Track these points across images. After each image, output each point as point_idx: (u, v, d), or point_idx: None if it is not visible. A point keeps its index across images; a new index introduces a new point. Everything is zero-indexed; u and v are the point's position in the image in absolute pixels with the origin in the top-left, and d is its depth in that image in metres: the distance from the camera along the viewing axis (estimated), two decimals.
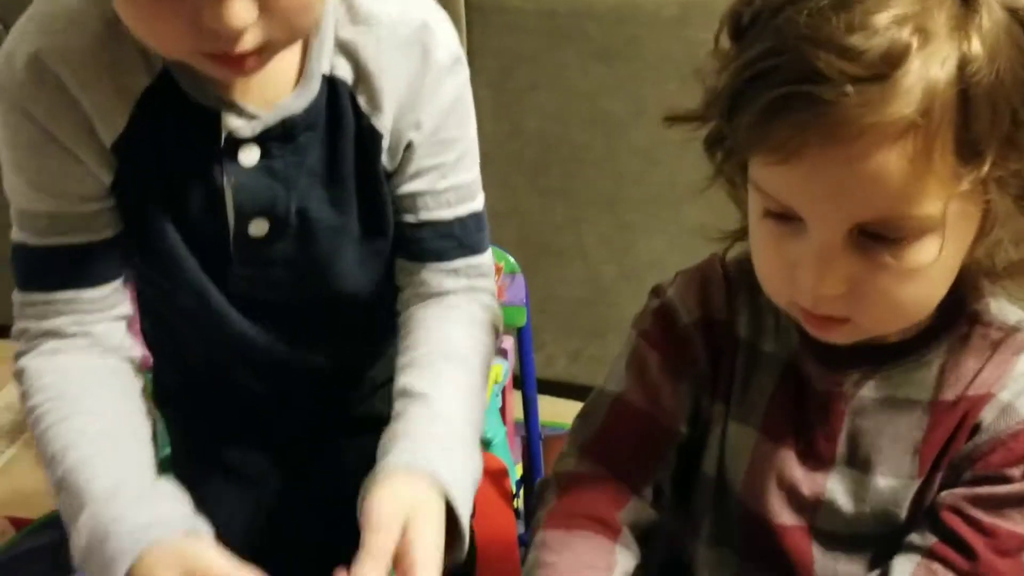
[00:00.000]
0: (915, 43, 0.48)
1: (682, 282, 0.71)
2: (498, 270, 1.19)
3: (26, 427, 1.83)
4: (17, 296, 0.75)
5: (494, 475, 1.19)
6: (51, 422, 0.71)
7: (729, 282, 0.69)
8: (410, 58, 0.75)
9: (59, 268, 0.73)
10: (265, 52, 0.64)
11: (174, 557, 0.62)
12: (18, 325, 0.76)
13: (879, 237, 0.53)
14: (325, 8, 0.69)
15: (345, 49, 0.74)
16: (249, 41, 0.61)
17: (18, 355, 0.76)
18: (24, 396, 0.74)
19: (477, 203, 0.83)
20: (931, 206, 0.51)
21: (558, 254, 1.71)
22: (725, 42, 0.60)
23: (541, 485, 0.71)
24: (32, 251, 0.73)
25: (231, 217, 0.75)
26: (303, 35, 0.68)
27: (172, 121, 0.71)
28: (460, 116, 0.80)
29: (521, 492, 1.36)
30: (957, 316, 0.62)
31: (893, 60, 0.48)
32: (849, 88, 0.48)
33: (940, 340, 0.62)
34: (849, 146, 0.50)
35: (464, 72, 0.79)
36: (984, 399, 0.61)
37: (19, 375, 0.75)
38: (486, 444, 1.45)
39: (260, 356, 0.85)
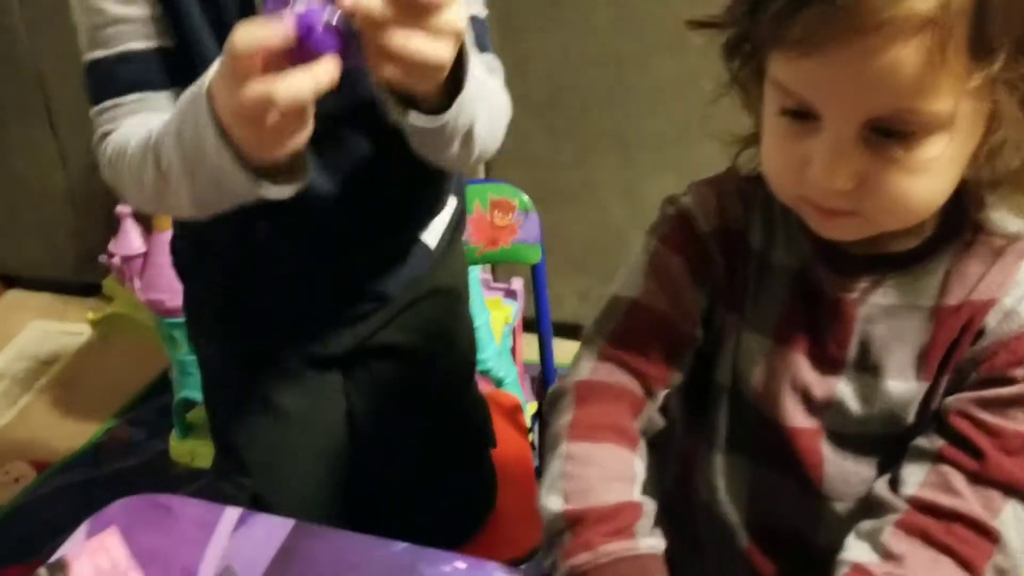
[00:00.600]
0: None
1: (699, 192, 0.72)
2: (512, 208, 1.19)
3: (41, 374, 1.89)
4: (93, 111, 0.80)
5: (509, 410, 1.21)
6: (136, 136, 0.76)
7: (744, 194, 0.70)
8: None
9: (126, 74, 0.78)
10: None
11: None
12: (96, 132, 0.80)
13: (890, 133, 0.55)
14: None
15: None
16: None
17: (99, 152, 0.80)
18: (113, 159, 0.78)
19: (482, 9, 0.86)
20: (942, 102, 0.53)
21: (567, 194, 1.71)
22: None
23: (554, 393, 0.72)
24: (102, 62, 0.78)
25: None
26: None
27: None
28: None
29: (536, 428, 1.38)
30: (960, 225, 0.64)
31: None
32: None
33: (944, 248, 0.64)
34: (868, 39, 0.51)
35: None
36: (988, 304, 0.63)
37: (105, 159, 0.80)
38: (499, 383, 1.48)
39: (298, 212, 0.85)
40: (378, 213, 0.92)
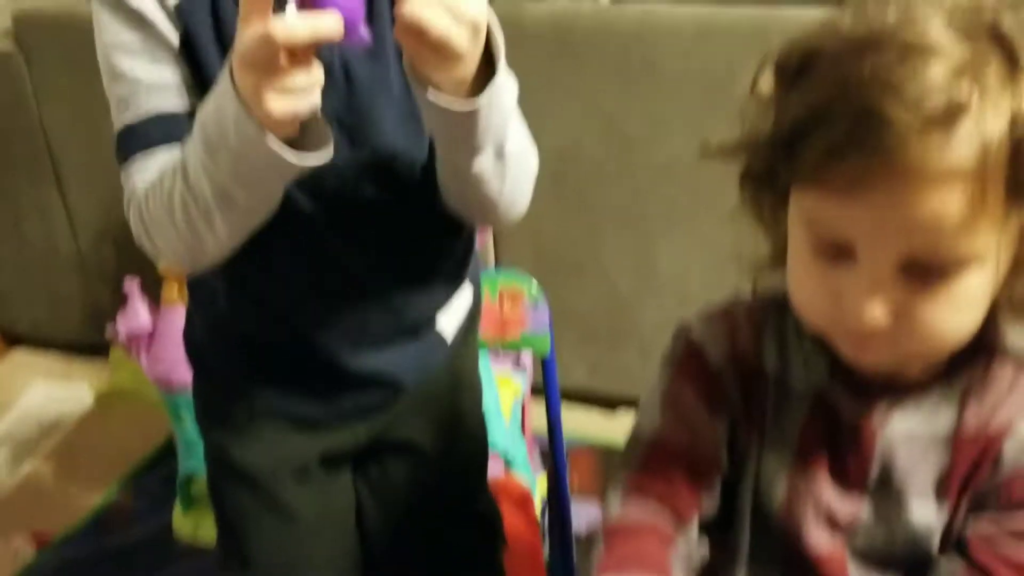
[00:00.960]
0: (974, 97, 0.52)
1: (707, 321, 0.72)
2: (522, 298, 1.19)
3: (44, 439, 1.88)
4: (122, 174, 0.82)
5: (519, 500, 1.21)
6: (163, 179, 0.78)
7: (754, 319, 0.71)
8: None
9: (159, 131, 0.80)
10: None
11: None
12: (127, 186, 0.82)
13: (927, 268, 0.56)
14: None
15: None
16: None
17: (130, 201, 0.81)
18: (144, 197, 0.80)
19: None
20: (980, 243, 0.55)
21: (576, 266, 1.71)
22: (765, 84, 0.62)
23: (588, 540, 0.72)
24: (136, 126, 0.80)
25: None
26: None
27: None
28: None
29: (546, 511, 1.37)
30: (979, 349, 0.64)
31: (953, 113, 0.51)
32: (913, 135, 0.51)
33: (962, 372, 0.65)
34: (909, 188, 0.53)
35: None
36: (1005, 431, 0.63)
37: (135, 207, 0.81)
38: (508, 462, 1.47)
39: (315, 250, 0.86)
40: (395, 281, 0.91)
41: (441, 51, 0.66)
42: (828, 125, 0.54)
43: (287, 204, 0.80)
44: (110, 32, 0.80)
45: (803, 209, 0.59)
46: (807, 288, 0.62)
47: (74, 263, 1.95)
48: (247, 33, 0.64)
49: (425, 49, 0.66)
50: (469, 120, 0.72)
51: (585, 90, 1.54)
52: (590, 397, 1.80)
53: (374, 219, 0.87)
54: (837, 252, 0.58)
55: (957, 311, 0.58)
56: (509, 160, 0.81)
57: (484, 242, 1.68)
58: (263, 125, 0.67)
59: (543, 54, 1.53)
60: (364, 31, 0.65)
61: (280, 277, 0.89)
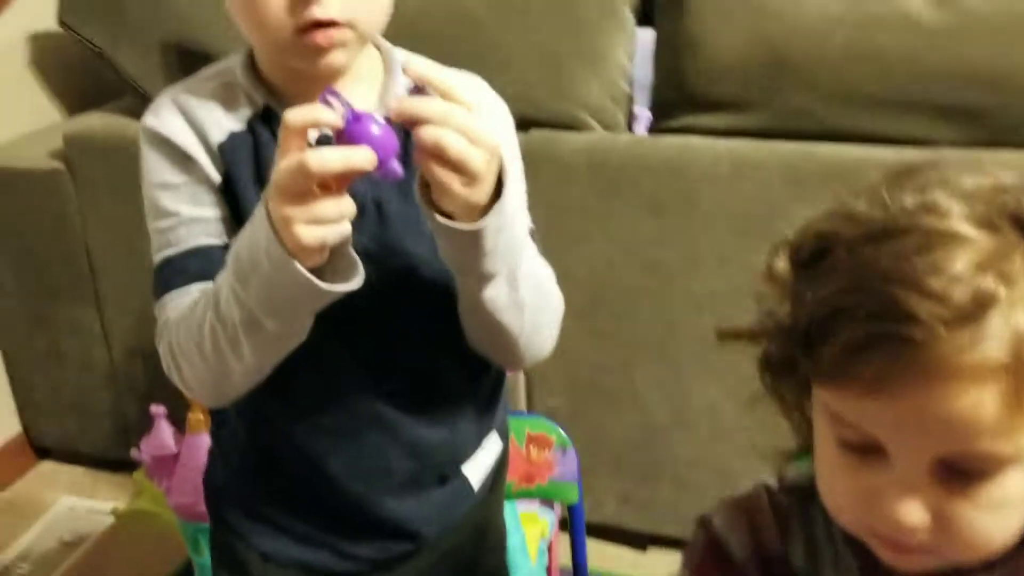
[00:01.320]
0: (1001, 290, 0.48)
1: (729, 514, 0.68)
2: (550, 444, 1.16)
3: (66, 556, 1.85)
4: (158, 303, 0.84)
5: None
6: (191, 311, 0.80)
7: (778, 512, 0.66)
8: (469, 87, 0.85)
9: (195, 266, 0.82)
10: (351, 36, 0.77)
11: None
12: (159, 321, 0.84)
13: (964, 471, 0.52)
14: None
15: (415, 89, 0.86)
16: (334, 10, 0.75)
17: (161, 335, 0.84)
18: (175, 325, 0.82)
19: (528, 221, 0.91)
20: (1017, 442, 0.50)
21: (609, 395, 1.68)
22: (781, 267, 0.59)
23: None
24: (174, 259, 0.83)
25: None
26: (376, 24, 0.82)
27: (268, 135, 0.83)
28: (512, 147, 0.88)
29: None
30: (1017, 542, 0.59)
31: (981, 305, 0.48)
32: (940, 330, 0.48)
33: (997, 565, 0.59)
34: (937, 387, 0.49)
35: (510, 119, 0.93)
36: None
37: (166, 339, 0.83)
38: None
39: (338, 387, 0.87)
40: (420, 423, 0.89)
41: (459, 171, 0.68)
42: (847, 321, 0.51)
43: (312, 337, 0.79)
44: (155, 171, 0.85)
45: (826, 405, 0.55)
46: (837, 486, 0.58)
47: (106, 379, 1.95)
48: (283, 163, 0.67)
49: (444, 170, 0.68)
50: (477, 240, 0.73)
51: (620, 220, 1.53)
52: (620, 533, 1.75)
53: (399, 357, 0.87)
54: (866, 449, 0.54)
55: (999, 514, 0.53)
56: (525, 292, 0.81)
57: (516, 372, 1.66)
58: (293, 253, 0.68)
59: (579, 183, 1.53)
60: (396, 165, 0.68)
61: (302, 414, 0.88)
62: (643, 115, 1.83)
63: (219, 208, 0.84)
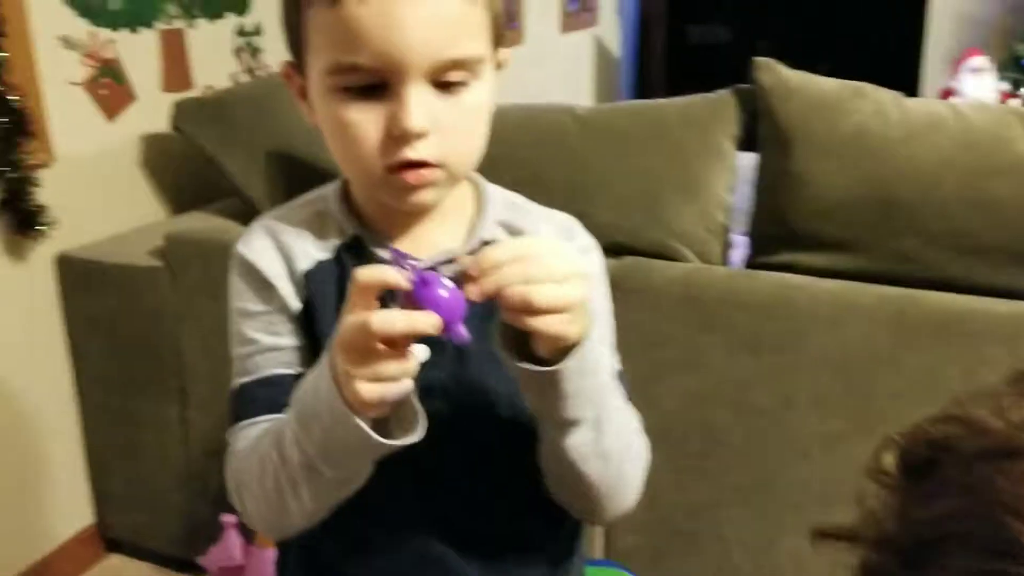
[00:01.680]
0: None
1: None
2: None
3: None
4: (229, 432, 0.85)
5: None
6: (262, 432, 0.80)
7: None
8: (558, 235, 0.88)
9: (266, 396, 0.82)
10: (442, 176, 0.78)
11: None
12: (229, 449, 0.84)
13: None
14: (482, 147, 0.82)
15: (505, 225, 0.87)
16: (425, 151, 0.75)
17: (228, 465, 0.84)
18: (241, 456, 0.82)
19: (616, 362, 0.88)
20: None
21: (692, 537, 1.60)
22: (887, 465, 0.54)
23: None
24: (247, 387, 0.84)
25: None
26: (469, 165, 0.82)
27: (353, 265, 0.79)
28: (601, 289, 0.87)
29: None
30: None
31: None
32: None
33: None
34: None
35: (602, 259, 0.90)
36: None
37: (231, 468, 0.83)
38: None
39: (407, 531, 0.85)
40: (490, 568, 0.86)
41: (557, 311, 0.67)
42: (958, 550, 0.45)
43: (376, 478, 0.77)
44: (238, 296, 0.86)
45: None
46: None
47: (181, 479, 1.95)
48: (348, 319, 0.67)
49: (538, 319, 0.67)
50: (557, 383, 0.71)
51: (713, 355, 1.48)
52: None
53: (469, 501, 0.85)
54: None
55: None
56: (611, 441, 0.78)
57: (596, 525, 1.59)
58: (353, 407, 0.67)
59: (671, 314, 1.49)
60: (462, 330, 0.67)
61: (359, 554, 0.86)
62: (739, 241, 1.80)
63: (296, 337, 0.84)
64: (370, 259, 0.83)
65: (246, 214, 1.94)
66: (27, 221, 1.79)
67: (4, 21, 1.67)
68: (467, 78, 0.76)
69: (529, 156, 1.52)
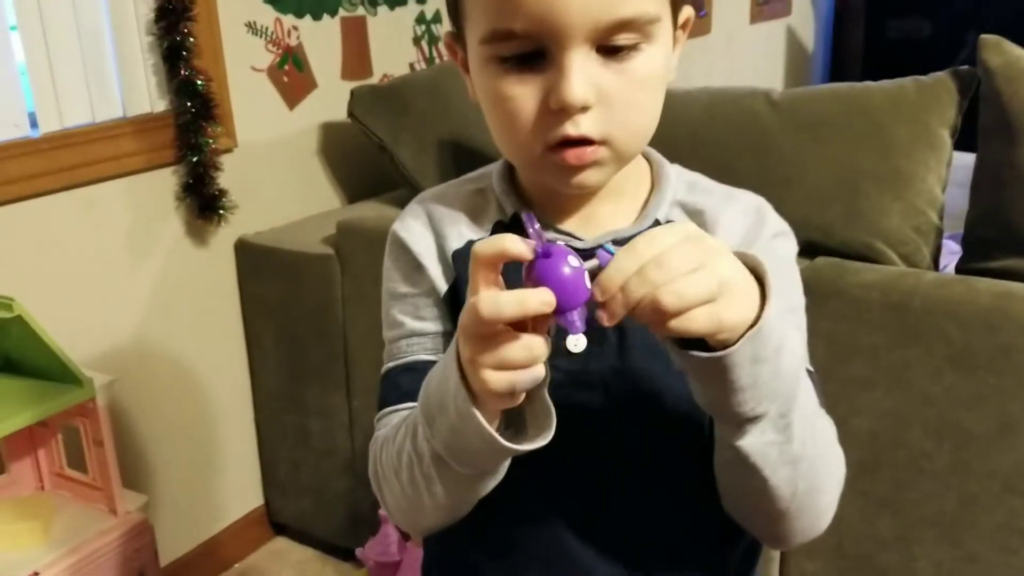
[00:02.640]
0: None
1: None
2: None
3: None
4: (376, 418, 0.82)
5: None
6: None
7: None
8: (746, 216, 0.78)
9: (408, 383, 0.78)
10: (607, 155, 0.70)
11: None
12: (373, 436, 0.81)
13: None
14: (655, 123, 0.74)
15: (684, 206, 0.79)
16: (588, 127, 0.68)
17: (372, 453, 0.80)
18: (380, 448, 0.78)
19: (807, 362, 0.77)
20: None
21: (879, 572, 1.44)
22: None
23: None
24: (391, 372, 0.81)
25: (551, 331, 0.72)
26: (637, 143, 0.73)
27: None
28: (794, 275, 0.79)
29: None
30: None
31: None
32: None
33: None
34: None
35: (795, 244, 0.81)
36: None
37: (372, 457, 0.80)
38: None
39: (551, 547, 0.78)
40: None
41: (698, 304, 0.56)
42: None
43: (519, 477, 0.70)
44: (389, 277, 0.83)
45: None
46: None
47: (345, 467, 1.95)
48: (469, 301, 0.60)
49: (680, 319, 0.56)
50: (726, 371, 0.59)
51: (916, 371, 1.32)
52: None
53: (628, 513, 0.76)
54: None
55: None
56: (800, 446, 0.65)
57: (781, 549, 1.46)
58: (480, 398, 0.61)
59: (869, 323, 1.34)
60: (576, 318, 0.58)
61: (499, 564, 0.80)
62: (950, 247, 1.61)
63: (442, 322, 0.80)
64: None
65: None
66: (209, 205, 1.83)
67: (193, 6, 1.71)
68: (638, 41, 0.67)
69: (717, 141, 1.40)
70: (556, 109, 0.67)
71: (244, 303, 2.00)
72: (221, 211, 1.84)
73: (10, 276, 1.57)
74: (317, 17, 2.04)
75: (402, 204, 2.00)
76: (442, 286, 0.80)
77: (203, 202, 1.82)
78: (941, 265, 1.50)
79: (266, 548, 2.13)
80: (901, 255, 1.38)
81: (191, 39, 1.71)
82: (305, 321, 1.92)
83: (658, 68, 0.70)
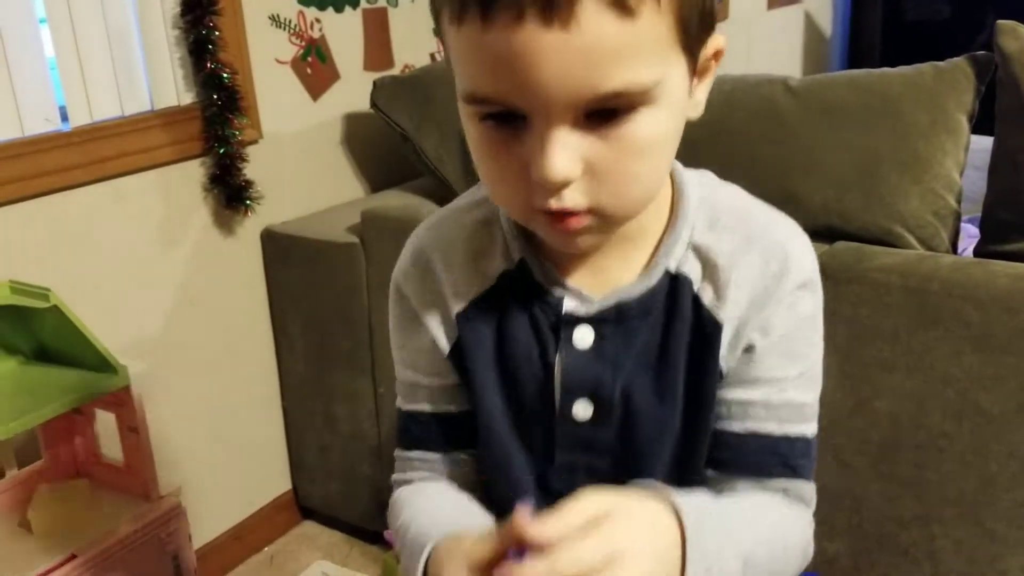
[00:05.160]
0: None
1: None
2: None
3: None
4: (395, 456, 0.87)
5: None
6: (407, 513, 0.78)
7: None
8: (767, 264, 0.73)
9: (414, 431, 0.83)
10: (596, 222, 0.65)
11: (457, 545, 0.64)
12: (393, 477, 0.87)
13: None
14: (661, 190, 0.71)
15: (699, 251, 0.74)
16: (572, 200, 0.62)
17: (391, 499, 0.85)
18: (391, 513, 0.83)
19: (810, 428, 0.77)
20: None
21: (902, 552, 1.45)
22: None
23: None
24: (400, 413, 0.85)
25: (557, 396, 0.76)
26: (633, 210, 0.67)
27: (516, 299, 0.76)
28: (812, 334, 0.76)
29: None
30: None
31: None
32: None
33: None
34: None
35: (819, 297, 0.76)
36: None
37: (390, 506, 0.84)
38: None
39: None
40: None
41: None
42: None
43: None
44: (391, 320, 0.85)
45: None
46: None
47: (372, 452, 1.98)
48: None
49: None
50: None
51: (936, 353, 1.33)
52: None
53: None
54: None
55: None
56: None
57: None
58: None
59: (889, 307, 1.35)
60: None
61: None
62: (968, 231, 1.62)
63: (440, 377, 0.81)
64: (535, 294, 0.75)
65: (440, 192, 1.94)
66: (236, 196, 1.86)
67: (218, 0, 1.73)
68: (632, 104, 0.60)
69: (737, 130, 1.42)
70: (537, 180, 0.62)
71: (271, 291, 2.04)
72: (248, 201, 1.87)
73: (46, 266, 1.61)
74: (339, 9, 2.07)
75: (425, 193, 2.03)
76: (444, 345, 0.79)
77: (230, 192, 1.85)
78: (960, 249, 1.51)
79: (294, 532, 2.17)
80: (920, 239, 1.39)
81: (216, 33, 1.74)
82: (331, 308, 1.95)
83: (661, 131, 0.63)
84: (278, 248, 1.98)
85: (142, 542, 1.55)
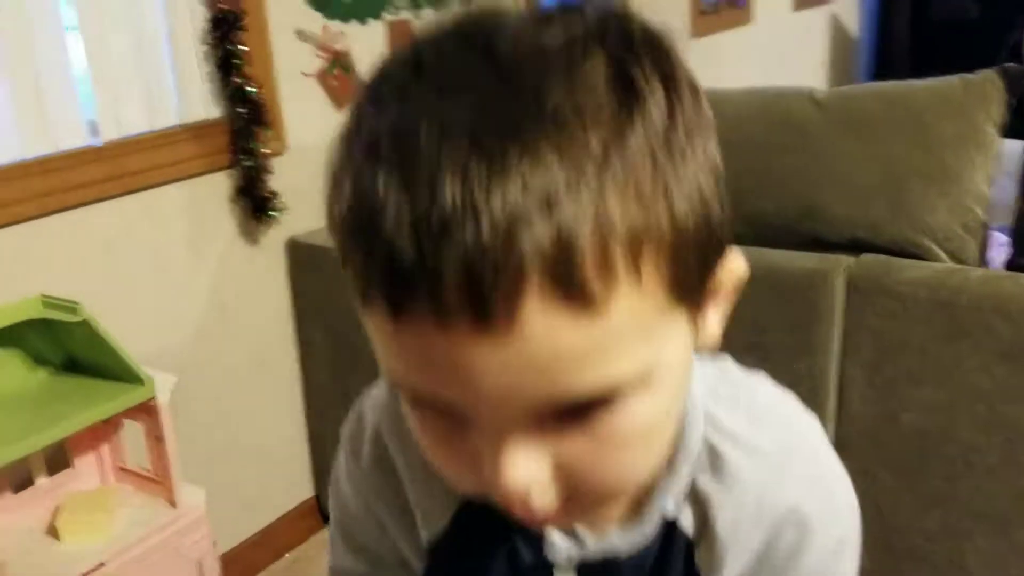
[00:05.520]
0: None
1: None
2: None
3: None
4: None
5: None
6: None
7: None
8: (776, 539, 0.60)
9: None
10: (577, 509, 0.50)
11: None
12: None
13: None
14: (660, 458, 0.53)
15: (697, 500, 0.60)
16: (540, 502, 0.47)
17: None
18: None
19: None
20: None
21: (928, 566, 1.44)
22: None
23: None
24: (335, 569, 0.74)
25: None
26: (624, 494, 0.56)
27: (492, 532, 0.64)
28: (841, 567, 0.62)
29: None
30: None
31: None
32: None
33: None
34: None
35: (857, 556, 0.62)
36: None
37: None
38: None
39: None
40: None
41: None
42: None
43: None
44: (347, 505, 0.73)
45: None
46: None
47: None
48: None
49: None
50: None
51: (965, 367, 1.32)
52: None
53: None
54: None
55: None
56: None
57: None
58: None
59: (917, 319, 1.34)
60: None
61: None
62: (998, 239, 1.60)
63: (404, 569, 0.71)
64: (514, 527, 0.61)
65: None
66: (261, 207, 1.87)
67: (244, 15, 1.75)
68: (611, 399, 0.44)
69: (762, 142, 1.41)
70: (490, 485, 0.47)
71: (295, 301, 2.05)
72: (273, 212, 1.88)
73: (76, 277, 1.62)
74: (363, 21, 2.08)
75: None
76: (415, 563, 0.69)
77: (256, 204, 1.87)
78: (988, 256, 1.49)
79: (316, 538, 2.18)
80: (948, 251, 1.38)
81: (243, 48, 1.75)
82: (354, 317, 1.91)
83: (655, 413, 0.47)
84: (302, 258, 1.99)
85: (168, 550, 1.56)
